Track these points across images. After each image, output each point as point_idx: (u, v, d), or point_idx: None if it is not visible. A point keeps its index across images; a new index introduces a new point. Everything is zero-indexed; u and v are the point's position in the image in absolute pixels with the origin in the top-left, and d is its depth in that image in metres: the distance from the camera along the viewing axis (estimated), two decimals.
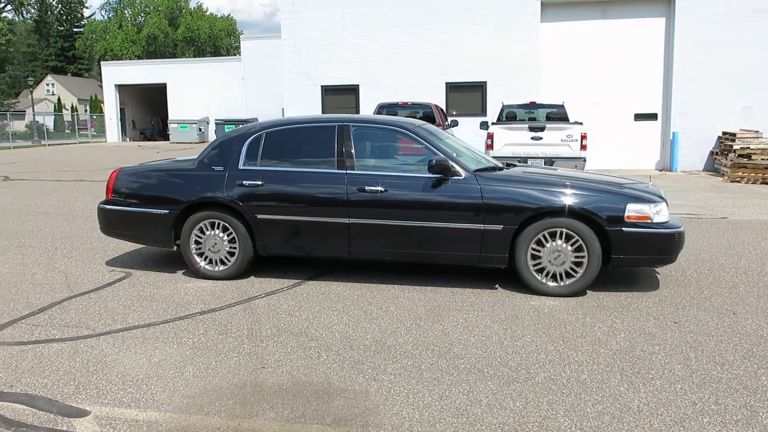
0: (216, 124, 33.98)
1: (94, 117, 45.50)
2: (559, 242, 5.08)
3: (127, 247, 7.11)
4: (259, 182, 5.53)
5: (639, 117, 17.89)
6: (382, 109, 15.31)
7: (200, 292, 5.34)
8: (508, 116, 14.80)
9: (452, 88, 18.83)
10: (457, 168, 5.23)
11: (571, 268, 5.11)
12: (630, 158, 17.86)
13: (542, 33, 18.03)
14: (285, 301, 5.09)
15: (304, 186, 5.46)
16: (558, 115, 14.22)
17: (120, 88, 37.92)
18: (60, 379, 3.57)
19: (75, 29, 73.12)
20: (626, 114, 17.93)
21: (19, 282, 5.71)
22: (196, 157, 5.98)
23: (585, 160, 11.98)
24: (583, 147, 11.97)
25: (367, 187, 5.29)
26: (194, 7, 74.22)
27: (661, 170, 17.51)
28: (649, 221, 5.01)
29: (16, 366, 3.76)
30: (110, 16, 71.46)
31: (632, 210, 5.00)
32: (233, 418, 3.14)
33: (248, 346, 4.11)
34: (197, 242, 5.72)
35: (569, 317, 4.67)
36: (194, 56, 63.37)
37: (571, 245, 5.08)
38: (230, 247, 5.67)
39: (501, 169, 5.72)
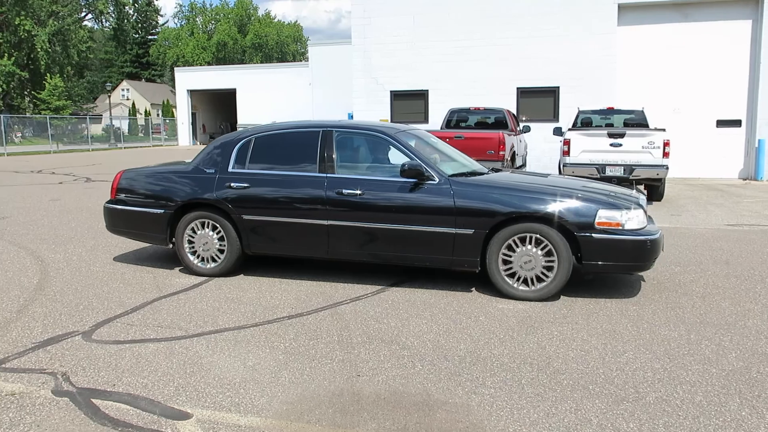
0: None
1: (167, 121, 47.11)
2: (530, 247, 5.11)
3: None
4: (246, 185, 5.77)
5: (721, 123, 17.08)
6: (453, 114, 15.17)
7: (286, 296, 5.33)
8: (583, 122, 14.35)
9: (523, 93, 18.48)
10: (431, 173, 5.34)
11: (542, 273, 5.12)
12: (711, 166, 17.07)
13: (618, 37, 17.47)
14: (371, 308, 5.01)
15: (286, 188, 5.69)
16: (637, 121, 13.69)
17: (192, 93, 39.14)
18: (159, 380, 3.59)
19: (149, 36, 76.13)
20: (707, 120, 17.15)
21: (110, 281, 5.85)
22: (192, 160, 6.25)
23: (667, 169, 11.47)
24: (666, 155, 11.46)
25: (344, 191, 5.48)
26: (262, 15, 76.07)
27: (744, 179, 16.64)
28: (620, 228, 4.99)
29: (116, 365, 3.82)
30: (182, 24, 74.06)
31: (603, 216, 5.00)
32: (335, 427, 3.07)
33: (340, 352, 4.04)
34: (190, 241, 5.98)
35: (672, 333, 4.41)
36: (261, 62, 64.83)
37: (542, 250, 5.09)
38: (219, 246, 5.91)
39: (481, 174, 5.78)
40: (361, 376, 3.68)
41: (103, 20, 49.29)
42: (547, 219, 5.05)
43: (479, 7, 18.20)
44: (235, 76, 38.34)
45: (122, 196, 6.28)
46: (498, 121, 14.74)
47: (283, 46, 73.26)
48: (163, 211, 6.00)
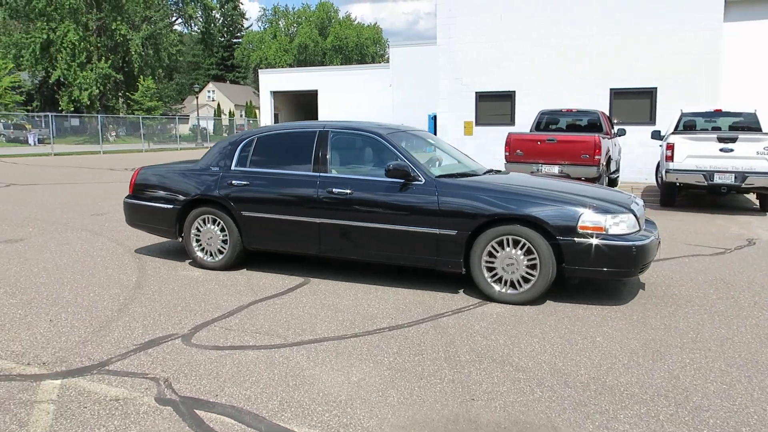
0: None
1: (250, 121, 48.30)
2: (513, 250, 5.04)
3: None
4: (246, 182, 5.98)
5: None
6: (543, 116, 14.60)
7: (383, 305, 5.09)
8: (686, 125, 13.43)
9: (617, 94, 17.59)
10: (417, 173, 5.35)
11: (525, 277, 5.03)
12: None
13: (725, 33, 16.33)
14: (475, 322, 4.69)
15: (282, 187, 5.84)
16: (748, 124, 12.67)
17: (275, 94, 39.92)
18: (262, 392, 3.41)
19: (233, 40, 78.56)
20: None
21: (205, 281, 5.79)
22: (202, 158, 6.50)
23: None
24: None
25: (334, 189, 5.57)
26: (343, 17, 76.97)
27: None
28: (604, 232, 4.84)
29: (217, 373, 3.67)
30: (266, 27, 75.98)
31: (586, 220, 4.88)
32: None
33: (449, 371, 3.75)
34: (197, 235, 6.24)
35: None
36: (341, 64, 65.58)
37: (524, 253, 5.00)
38: (222, 241, 6.14)
39: (474, 175, 5.77)
40: (476, 400, 3.37)
41: (192, 24, 51.07)
42: (529, 222, 4.97)
43: (570, 4, 17.47)
44: (317, 77, 38.82)
45: (139, 191, 6.62)
46: (592, 123, 14.04)
47: (362, 48, 73.86)
48: (172, 206, 6.31)
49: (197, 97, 48.20)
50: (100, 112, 44.36)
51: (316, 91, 38.45)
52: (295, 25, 74.71)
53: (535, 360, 3.94)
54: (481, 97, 18.77)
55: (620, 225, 4.91)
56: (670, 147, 11.37)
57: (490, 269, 5.13)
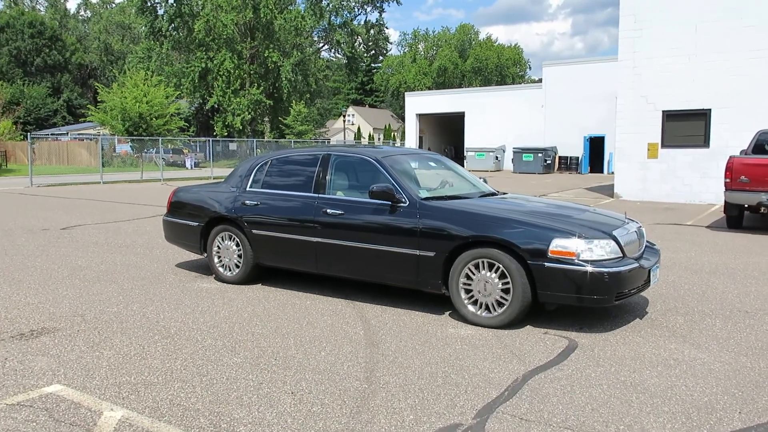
0: (513, 152, 33.17)
1: (391, 143, 48.28)
2: (488, 273, 4.96)
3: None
4: (256, 202, 6.36)
5: None
6: (764, 136, 12.46)
7: (708, 387, 3.73)
8: None
9: None
10: (401, 195, 5.44)
11: (499, 301, 4.92)
12: None
13: None
14: None
15: (286, 207, 6.15)
16: None
17: (420, 117, 39.42)
18: None
19: (373, 65, 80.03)
20: None
21: (449, 340, 4.74)
22: (226, 179, 6.91)
23: None
24: None
25: (329, 210, 5.80)
26: (484, 39, 75.86)
27: None
28: (575, 257, 4.66)
29: None
30: (405, 51, 76.65)
31: (557, 245, 4.73)
32: None
33: None
34: (217, 251, 6.65)
35: None
36: (480, 85, 64.37)
37: (499, 277, 4.91)
38: (238, 257, 6.50)
39: (465, 198, 5.82)
40: None
41: (339, 50, 52.22)
42: (501, 245, 4.88)
43: None
44: (464, 99, 37.80)
45: (173, 210, 7.17)
46: None
47: (502, 69, 72.14)
48: (197, 223, 6.78)
49: (344, 122, 48.90)
50: (249, 136, 46.31)
51: (463, 113, 37.37)
52: (434, 48, 74.63)
53: None
54: (669, 117, 16.72)
55: (594, 251, 4.72)
56: None
57: (467, 291, 5.07)
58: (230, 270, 6.57)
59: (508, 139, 35.21)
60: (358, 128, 66.49)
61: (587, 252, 4.69)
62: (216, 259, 6.67)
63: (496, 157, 34.23)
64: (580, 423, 3.28)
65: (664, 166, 16.87)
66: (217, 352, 4.40)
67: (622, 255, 4.85)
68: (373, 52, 79.72)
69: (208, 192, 6.90)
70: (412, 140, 39.52)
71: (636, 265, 4.89)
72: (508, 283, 4.86)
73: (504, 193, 6.50)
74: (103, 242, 9.38)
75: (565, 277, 4.68)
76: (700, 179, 16.37)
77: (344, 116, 50.43)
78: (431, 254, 5.19)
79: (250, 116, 46.35)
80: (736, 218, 11.34)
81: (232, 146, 43.37)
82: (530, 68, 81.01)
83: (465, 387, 3.77)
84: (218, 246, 6.64)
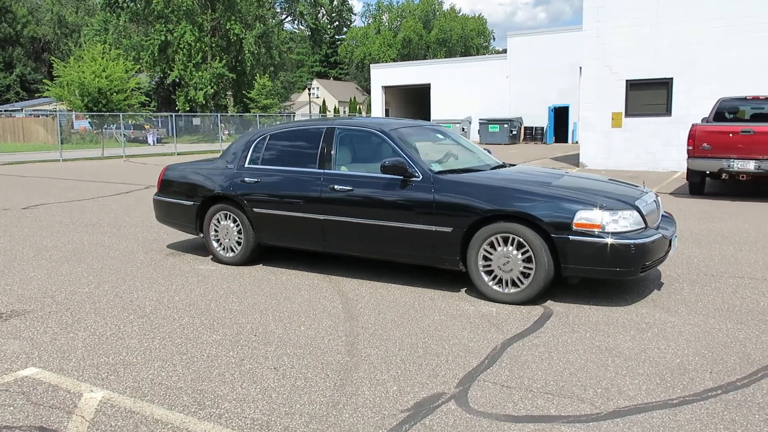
0: (479, 123, 33.28)
1: (356, 117, 47.89)
2: (509, 248, 4.82)
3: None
4: (256, 179, 6.08)
5: None
6: (724, 104, 12.73)
7: (679, 349, 3.85)
8: None
9: None
10: (414, 169, 5.24)
11: (521, 276, 4.80)
12: None
13: None
14: None
15: (289, 184, 5.88)
16: None
17: (386, 89, 39.16)
18: None
19: (337, 36, 78.96)
20: None
21: (426, 310, 4.79)
22: (221, 155, 6.60)
23: None
24: None
25: (336, 186, 5.56)
26: (448, 9, 75.40)
27: None
28: (600, 230, 4.56)
29: None
30: (369, 23, 75.74)
31: (581, 217, 4.62)
32: None
33: None
34: (215, 231, 6.38)
35: None
36: (445, 57, 64.13)
37: (521, 252, 4.77)
38: (238, 237, 6.24)
39: (480, 171, 5.63)
40: None
41: (302, 22, 51.29)
42: (523, 218, 4.75)
43: None
44: (430, 70, 37.62)
45: (165, 189, 6.84)
46: None
47: (467, 40, 71.85)
48: (192, 203, 6.48)
49: (310, 94, 48.30)
50: (212, 111, 45.42)
51: (429, 84, 37.22)
52: (399, 19, 73.85)
53: None
54: (632, 86, 16.95)
55: (620, 222, 4.62)
56: None
57: (486, 267, 4.94)
58: (230, 251, 6.30)
59: (474, 110, 35.25)
60: (323, 101, 65.77)
61: (612, 224, 4.59)
62: (214, 240, 6.40)
63: (463, 129, 34.27)
64: (559, 387, 3.36)
65: (628, 135, 17.15)
66: (196, 330, 4.36)
67: (644, 225, 4.76)
68: (337, 23, 78.53)
69: (203, 169, 6.57)
70: (378, 113, 39.28)
71: (659, 235, 4.79)
72: (530, 257, 4.73)
73: (512, 165, 6.30)
74: (68, 221, 9.16)
75: (591, 249, 4.56)
76: (662, 147, 16.70)
77: (309, 89, 49.68)
78: (448, 230, 5.01)
79: (212, 90, 45.37)
80: (698, 185, 11.63)
81: (196, 121, 42.58)
82: (494, 39, 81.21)
83: (446, 357, 3.83)
84: (216, 226, 6.36)
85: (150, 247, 7.27)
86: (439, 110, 36.88)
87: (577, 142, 24.98)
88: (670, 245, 5.00)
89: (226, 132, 43.67)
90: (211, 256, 6.60)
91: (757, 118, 12.46)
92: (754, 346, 3.94)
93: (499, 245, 4.85)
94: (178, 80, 46.75)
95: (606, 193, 4.98)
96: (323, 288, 5.45)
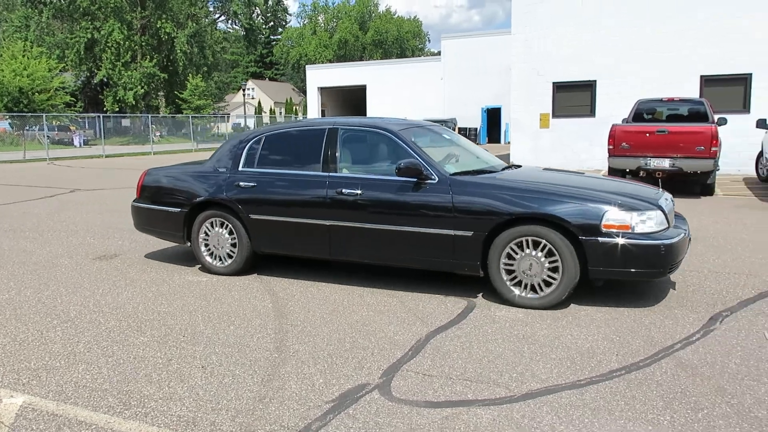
0: None
1: (293, 118, 47.65)
2: (533, 251, 4.70)
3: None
4: (253, 184, 5.70)
5: None
6: (642, 106, 13.43)
7: (590, 335, 4.12)
8: None
9: (708, 81, 16.27)
10: (430, 171, 5.05)
11: (546, 280, 4.69)
12: None
13: None
14: (720, 355, 3.70)
15: (290, 188, 5.56)
16: None
17: (322, 90, 39.11)
18: None
19: (273, 37, 78.13)
20: None
21: (355, 306, 4.91)
22: (209, 158, 6.22)
23: None
24: None
25: (344, 190, 5.29)
26: (383, 11, 75.83)
27: None
28: (629, 231, 4.49)
29: None
30: (305, 23, 75.33)
31: (610, 218, 4.53)
32: None
33: None
34: (205, 239, 5.99)
35: None
36: (381, 58, 64.54)
37: (546, 255, 4.66)
38: (231, 245, 5.86)
39: (492, 172, 5.43)
40: None
41: (236, 21, 50.60)
42: (549, 221, 4.62)
43: None
44: (366, 72, 37.83)
45: (146, 194, 6.37)
46: (697, 113, 12.82)
47: (403, 41, 72.57)
48: (179, 209, 6.05)
49: (244, 95, 47.62)
50: (143, 112, 44.20)
51: (365, 86, 37.44)
52: (335, 20, 73.78)
53: None
54: (559, 88, 17.64)
55: (647, 222, 4.55)
56: None
57: (509, 272, 4.80)
58: (222, 260, 5.91)
59: (409, 112, 35.67)
60: (259, 102, 65.02)
61: (641, 224, 4.52)
62: (204, 249, 5.98)
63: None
64: (477, 374, 3.55)
65: (555, 136, 17.82)
66: (123, 333, 4.33)
67: (668, 225, 4.70)
68: (272, 23, 77.83)
69: (190, 173, 6.13)
70: (314, 114, 39.19)
71: (683, 234, 4.75)
72: (555, 261, 4.63)
73: (518, 166, 6.12)
74: None
75: (621, 251, 4.47)
76: (587, 147, 17.42)
77: (244, 90, 49.04)
78: (468, 234, 4.83)
79: (143, 90, 44.21)
80: None
81: (125, 122, 41.31)
82: (429, 41, 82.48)
83: (372, 350, 3.95)
84: (206, 234, 5.95)
85: (75, 252, 7.09)
86: (375, 111, 37.13)
87: (509, 143, 25.72)
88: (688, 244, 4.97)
89: (158, 133, 42.57)
90: (199, 266, 6.32)
91: (672, 118, 13.23)
92: (658, 329, 4.25)
93: (522, 249, 4.73)
94: (106, 80, 45.28)
95: (629, 194, 4.87)
96: (254, 288, 5.49)
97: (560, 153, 17.75)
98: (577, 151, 17.57)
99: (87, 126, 42.29)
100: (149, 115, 35.41)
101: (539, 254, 4.67)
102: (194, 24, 45.19)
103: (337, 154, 5.49)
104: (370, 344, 4.06)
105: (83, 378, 3.57)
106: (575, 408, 3.11)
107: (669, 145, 11.32)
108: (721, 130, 14.85)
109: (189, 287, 5.54)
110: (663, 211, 4.70)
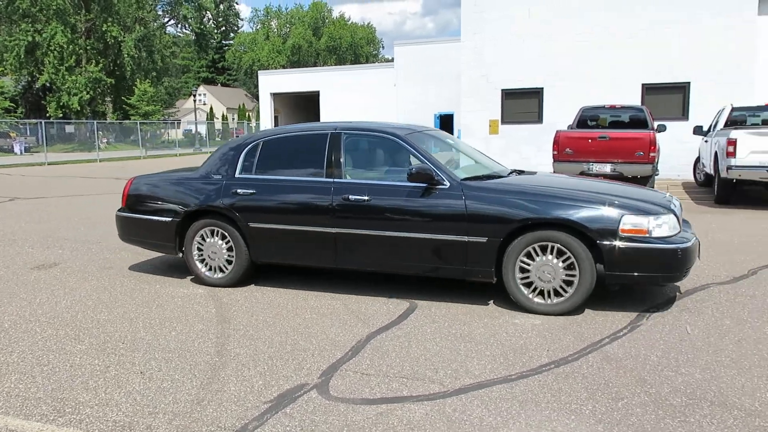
0: None
1: (248, 125, 47.22)
2: (549, 257, 4.65)
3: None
4: (252, 191, 5.50)
5: None
6: (586, 112, 13.88)
7: (525, 332, 4.28)
8: (735, 120, 12.78)
9: (649, 89, 16.90)
10: (441, 176, 4.95)
11: (562, 286, 4.65)
12: None
13: (760, 27, 15.73)
14: (643, 349, 3.91)
15: (293, 195, 5.40)
16: None
17: (275, 96, 38.89)
18: None
19: (225, 42, 77.28)
20: None
21: (299, 309, 4.96)
22: (201, 165, 5.98)
23: None
24: None
25: (351, 197, 5.13)
26: (337, 17, 75.94)
27: None
28: (647, 235, 4.50)
29: None
30: (257, 28, 74.78)
31: (628, 223, 4.53)
32: None
33: (672, 421, 2.96)
34: (199, 249, 5.73)
35: None
36: (335, 64, 64.62)
37: (562, 261, 4.62)
38: (228, 255, 5.63)
39: (500, 177, 5.38)
40: None
41: (186, 25, 49.84)
42: (565, 226, 4.58)
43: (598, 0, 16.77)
44: (319, 78, 37.77)
45: (132, 203, 6.08)
46: (638, 119, 13.35)
47: (356, 48, 72.81)
48: (171, 219, 5.78)
49: (194, 101, 46.88)
50: (89, 118, 43.04)
51: (318, 92, 37.39)
52: (288, 26, 73.51)
53: (759, 400, 3.16)
54: (508, 95, 18.01)
55: (663, 227, 4.57)
56: (732, 143, 10.66)
57: (524, 278, 4.74)
58: (218, 271, 5.66)
59: (363, 118, 35.81)
60: (211, 108, 64.17)
61: (657, 229, 4.53)
62: (197, 260, 5.73)
63: None
64: (414, 372, 3.65)
65: (504, 142, 18.18)
66: (59, 342, 4.28)
67: (679, 229, 4.72)
68: (224, 28, 76.95)
69: (181, 181, 5.88)
70: (267, 120, 38.91)
71: (695, 238, 4.80)
72: (572, 266, 4.60)
73: (521, 171, 6.09)
74: None
75: (639, 256, 4.47)
76: (535, 152, 17.83)
77: (195, 96, 48.32)
78: (482, 240, 4.74)
79: (89, 96, 42.98)
80: None
81: (69, 129, 40.10)
82: (383, 47, 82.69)
83: (312, 351, 4.02)
84: (200, 244, 5.70)
85: (12, 262, 6.92)
86: (328, 117, 37.07)
87: None
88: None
89: (105, 140, 41.51)
90: (192, 278, 6.11)
91: (613, 125, 13.73)
92: (589, 326, 4.44)
93: (538, 254, 4.68)
94: (48, 85, 43.89)
95: (643, 198, 4.88)
96: (198, 295, 5.47)
97: (510, 158, 18.04)
98: (526, 156, 17.96)
99: (29, 133, 40.83)
100: (95, 122, 34.55)
101: (554, 259, 4.63)
102: (142, 28, 44.26)
103: (341, 160, 5.31)
104: (311, 346, 4.12)
105: (15, 388, 3.52)
106: (504, 401, 3.25)
107: (610, 151, 11.72)
108: (660, 136, 15.48)
109: (131, 294, 5.48)
110: (675, 215, 4.73)
